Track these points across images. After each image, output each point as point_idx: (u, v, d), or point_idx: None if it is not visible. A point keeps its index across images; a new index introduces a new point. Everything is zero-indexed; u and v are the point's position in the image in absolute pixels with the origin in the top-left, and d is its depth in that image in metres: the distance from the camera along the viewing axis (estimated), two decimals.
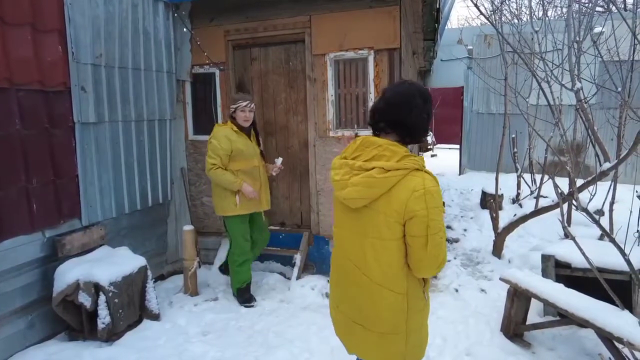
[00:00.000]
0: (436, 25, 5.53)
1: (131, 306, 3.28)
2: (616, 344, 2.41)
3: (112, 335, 3.11)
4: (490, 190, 6.11)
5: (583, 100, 4.11)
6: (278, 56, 4.50)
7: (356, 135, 4.23)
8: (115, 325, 3.11)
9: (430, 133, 15.62)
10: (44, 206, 3.11)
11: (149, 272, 3.47)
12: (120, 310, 3.15)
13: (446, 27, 8.91)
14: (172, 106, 4.44)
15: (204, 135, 4.72)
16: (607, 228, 4.67)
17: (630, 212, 4.14)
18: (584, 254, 2.61)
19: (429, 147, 15.37)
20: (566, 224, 4.99)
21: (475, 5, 3.98)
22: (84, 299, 3.03)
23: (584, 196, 4.41)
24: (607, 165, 3.57)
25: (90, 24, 3.42)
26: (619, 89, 3.94)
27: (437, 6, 4.81)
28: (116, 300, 3.11)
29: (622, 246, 2.64)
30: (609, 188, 4.59)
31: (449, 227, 6.02)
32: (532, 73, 4.00)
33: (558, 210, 3.87)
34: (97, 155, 3.56)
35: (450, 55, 9.94)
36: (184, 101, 4.73)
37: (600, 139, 3.73)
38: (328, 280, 4.10)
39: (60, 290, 3.02)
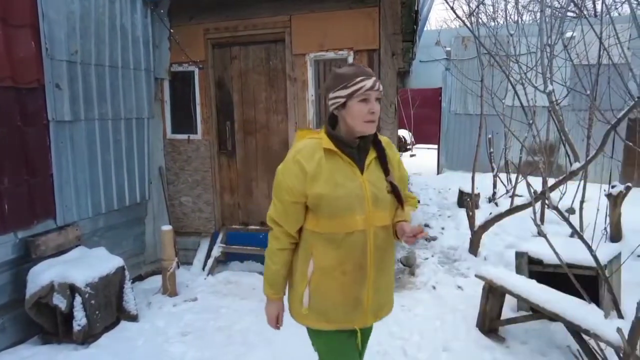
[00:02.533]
0: (415, 26, 5.62)
1: (108, 307, 3.23)
2: (583, 336, 2.51)
3: (88, 337, 3.06)
4: (467, 189, 6.24)
5: (555, 102, 4.25)
6: (258, 55, 4.49)
7: None
8: (91, 327, 3.05)
9: (409, 133, 15.82)
10: (17, 206, 3.03)
11: (127, 273, 3.42)
12: (97, 312, 3.10)
13: (425, 29, 9.05)
14: (150, 104, 4.38)
15: (182, 134, 4.68)
16: (578, 226, 4.84)
17: (598, 210, 4.30)
18: (554, 250, 2.71)
19: (408, 147, 15.58)
20: (539, 222, 5.16)
21: (452, 8, 4.07)
22: (59, 301, 2.96)
23: (555, 195, 4.57)
24: (577, 165, 3.70)
25: (65, 19, 3.34)
26: (588, 92, 4.10)
27: (416, 8, 4.89)
28: (92, 302, 3.06)
29: (590, 243, 2.75)
30: (577, 187, 4.77)
31: (427, 225, 6.13)
32: (505, 75, 4.12)
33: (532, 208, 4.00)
34: (73, 154, 3.48)
35: (429, 57, 10.09)
36: (162, 99, 4.67)
37: (570, 140, 3.86)
38: None
39: (34, 292, 2.94)
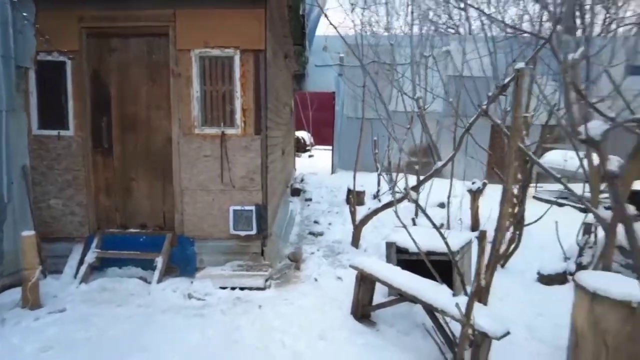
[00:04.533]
0: (303, 30, 5.81)
1: None
2: (436, 314, 2.85)
3: None
4: (356, 187, 6.65)
5: (422, 108, 4.76)
6: (140, 48, 4.28)
7: (222, 134, 4.23)
8: None
9: (309, 134, 16.26)
10: None
11: None
12: None
13: (317, 34, 9.37)
14: (10, 96, 3.91)
15: (51, 130, 4.26)
16: (447, 218, 5.45)
17: (461, 204, 4.84)
18: (412, 239, 3.04)
19: (307, 148, 15.99)
20: (414, 215, 5.70)
21: (325, 15, 4.31)
22: None
23: (425, 191, 5.08)
24: (439, 164, 4.19)
25: None
26: (451, 99, 4.66)
27: (302, 12, 5.07)
28: None
29: (455, 232, 3.13)
30: (431, 184, 5.36)
31: (316, 222, 6.38)
32: (374, 83, 4.48)
33: (409, 203, 4.40)
34: None
35: (323, 61, 10.48)
36: (26, 91, 4.20)
37: (434, 141, 4.36)
38: (192, 282, 4.01)
39: None
